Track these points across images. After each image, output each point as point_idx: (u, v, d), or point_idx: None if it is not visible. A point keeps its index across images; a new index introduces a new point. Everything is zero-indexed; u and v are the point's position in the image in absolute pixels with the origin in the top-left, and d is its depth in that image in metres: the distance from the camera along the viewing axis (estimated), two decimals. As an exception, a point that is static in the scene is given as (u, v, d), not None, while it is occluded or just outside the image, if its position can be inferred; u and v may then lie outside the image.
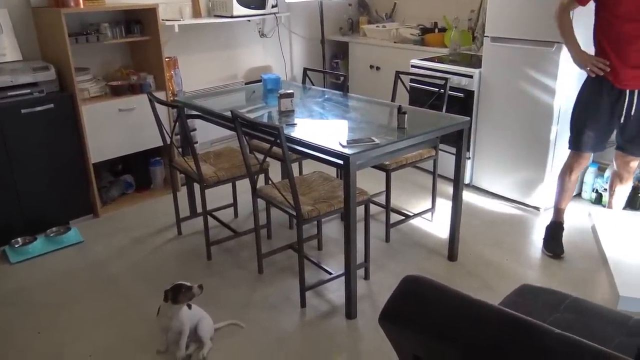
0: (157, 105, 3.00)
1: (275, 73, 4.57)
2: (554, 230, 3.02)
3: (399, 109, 2.59)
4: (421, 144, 2.64)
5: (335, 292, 2.69)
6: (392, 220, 3.20)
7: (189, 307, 2.27)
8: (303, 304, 2.59)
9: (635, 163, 2.83)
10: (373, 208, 3.29)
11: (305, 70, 3.75)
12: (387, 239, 3.18)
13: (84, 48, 3.54)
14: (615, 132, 2.77)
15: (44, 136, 3.25)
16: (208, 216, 3.04)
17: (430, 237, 3.22)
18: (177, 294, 2.16)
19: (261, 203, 2.81)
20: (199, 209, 3.46)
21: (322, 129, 2.70)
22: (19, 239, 3.17)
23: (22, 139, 3.17)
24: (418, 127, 2.61)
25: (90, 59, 3.68)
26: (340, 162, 2.29)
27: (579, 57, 2.69)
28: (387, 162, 2.98)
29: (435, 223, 3.38)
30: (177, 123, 2.99)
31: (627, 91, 2.61)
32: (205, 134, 4.16)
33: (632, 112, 2.63)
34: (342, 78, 3.68)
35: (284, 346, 2.32)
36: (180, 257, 3.08)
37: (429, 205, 3.46)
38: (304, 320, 2.50)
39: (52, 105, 3.25)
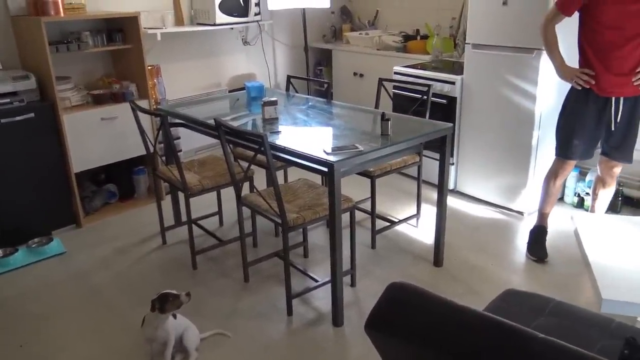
0: (140, 113, 2.97)
1: (259, 81, 4.58)
2: (538, 235, 3.05)
3: (382, 115, 2.61)
4: (405, 150, 2.65)
5: (322, 299, 2.69)
6: (377, 227, 3.21)
7: (174, 316, 2.25)
8: (290, 312, 2.58)
9: (618, 169, 2.87)
10: (358, 215, 3.31)
11: (289, 77, 3.75)
12: (373, 246, 3.18)
13: (65, 57, 3.50)
14: None
15: (24, 146, 3.20)
16: (193, 225, 3.02)
17: (415, 243, 3.23)
18: (164, 303, 2.14)
19: (246, 211, 2.80)
20: (184, 218, 3.43)
21: (307, 136, 2.70)
22: (-1, 250, 3.12)
23: (1, 149, 3.12)
24: (402, 134, 2.62)
25: (71, 67, 3.65)
26: (325, 169, 2.30)
27: (563, 71, 2.73)
28: (371, 169, 2.99)
29: (421, 229, 3.40)
30: (161, 131, 2.97)
31: (613, 99, 2.65)
32: (189, 142, 4.14)
33: (618, 120, 2.68)
34: (325, 85, 3.69)
35: (271, 354, 2.31)
36: (165, 266, 3.05)
37: (414, 211, 3.48)
38: (290, 328, 2.49)
39: (32, 115, 3.21)
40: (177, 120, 3.25)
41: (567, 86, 2.80)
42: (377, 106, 3.47)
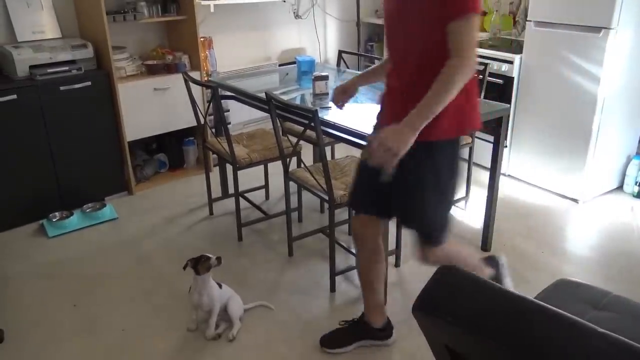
0: (191, 85, 3.00)
1: (309, 55, 4.53)
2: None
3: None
4: (458, 130, 2.57)
5: (365, 278, 2.67)
6: (424, 208, 3.15)
7: (220, 286, 2.29)
8: (332, 288, 2.58)
9: None
10: (405, 194, 3.25)
11: (340, 52, 3.70)
12: (419, 227, 3.13)
13: (121, 26, 3.56)
14: None
15: (81, 113, 3.30)
16: (240, 197, 3.05)
17: (463, 226, 3.16)
18: (196, 263, 2.20)
19: (292, 186, 2.80)
20: (231, 190, 3.48)
21: (357, 112, 2.65)
22: (56, 213, 3.25)
23: (60, 116, 3.23)
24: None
25: (126, 37, 3.71)
26: (375, 147, 2.25)
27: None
28: (421, 149, 2.92)
29: (469, 212, 3.31)
30: (211, 104, 2.99)
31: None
32: (238, 115, 4.17)
33: None
34: (377, 61, 3.61)
35: (312, 330, 2.32)
36: (211, 237, 3.10)
37: (462, 193, 3.39)
38: (333, 305, 2.49)
39: (89, 83, 3.29)
40: (228, 93, 3.26)
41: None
42: (429, 84, 3.37)
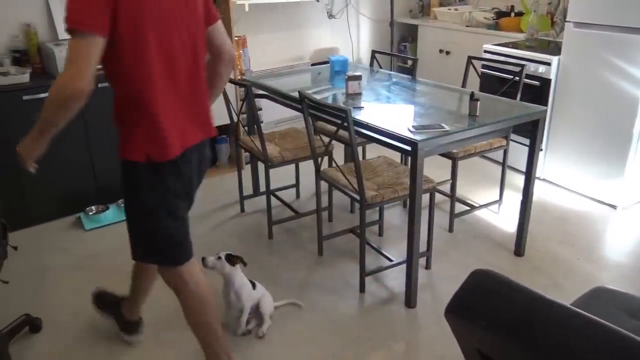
0: (226, 84, 3.03)
1: (342, 55, 4.53)
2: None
3: (472, 95, 2.50)
4: (493, 132, 2.54)
5: (395, 279, 2.66)
6: (456, 210, 3.12)
7: (254, 285, 2.31)
8: (362, 289, 2.57)
9: None
10: (437, 196, 3.22)
11: (373, 52, 3.68)
12: (451, 229, 3.10)
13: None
14: None
15: (118, 110, 3.37)
16: (271, 195, 3.07)
17: (495, 230, 3.11)
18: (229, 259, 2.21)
19: (323, 185, 2.80)
20: (262, 188, 3.51)
21: (390, 113, 2.64)
22: (92, 207, 3.34)
23: (98, 113, 3.29)
24: (490, 115, 2.50)
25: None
26: (408, 148, 2.24)
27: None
28: (454, 150, 2.89)
29: (502, 215, 3.26)
30: (245, 102, 3.02)
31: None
32: (270, 113, 4.19)
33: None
34: (411, 62, 3.59)
35: (341, 329, 2.32)
36: (242, 234, 3.13)
37: (495, 196, 3.34)
38: (362, 305, 2.49)
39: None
40: (261, 92, 3.28)
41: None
42: (463, 85, 3.34)
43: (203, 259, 2.21)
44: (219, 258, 2.20)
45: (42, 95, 3.05)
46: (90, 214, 3.29)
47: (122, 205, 3.37)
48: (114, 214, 3.33)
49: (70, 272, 2.77)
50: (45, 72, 3.29)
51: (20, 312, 2.32)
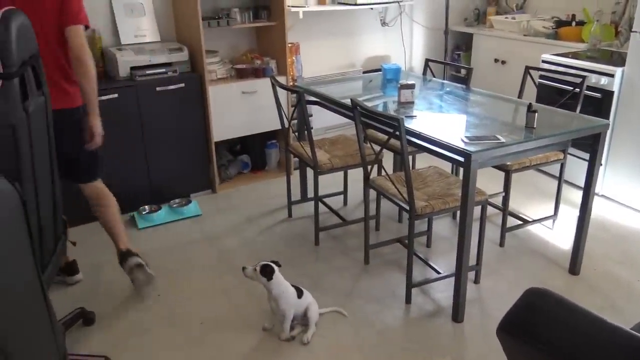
0: (277, 90, 3.07)
1: (394, 63, 4.50)
2: None
3: (529, 106, 2.43)
4: (550, 145, 2.45)
5: (443, 292, 2.61)
6: (508, 224, 3.03)
7: (300, 293, 2.31)
8: (408, 300, 2.53)
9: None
10: (489, 209, 3.14)
11: (427, 61, 3.64)
12: (502, 244, 3.01)
13: (215, 31, 3.72)
14: None
15: (173, 113, 3.47)
16: (319, 202, 3.07)
17: (549, 246, 3.00)
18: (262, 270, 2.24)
19: (371, 194, 2.78)
20: (310, 194, 3.53)
21: (442, 122, 2.60)
22: (146, 206, 3.44)
23: (155, 115, 3.41)
24: (548, 128, 2.42)
25: (219, 42, 3.86)
26: (461, 159, 2.20)
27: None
28: (508, 163, 2.81)
29: (557, 232, 3.14)
30: (296, 108, 3.04)
31: None
32: (320, 120, 4.21)
33: None
34: (465, 71, 3.53)
35: (386, 340, 2.29)
36: (289, 239, 3.15)
37: (550, 211, 3.23)
38: (408, 317, 2.45)
39: (183, 85, 3.46)
40: (312, 98, 3.30)
41: None
42: (520, 96, 3.25)
43: (243, 269, 2.23)
44: (255, 270, 2.22)
45: (103, 97, 3.17)
46: (144, 213, 3.39)
47: (175, 206, 3.48)
48: (166, 214, 3.42)
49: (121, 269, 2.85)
50: (107, 75, 3.42)
51: (75, 305, 2.42)
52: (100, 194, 2.62)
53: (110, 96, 3.20)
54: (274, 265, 2.24)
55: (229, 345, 2.27)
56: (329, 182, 3.57)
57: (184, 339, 2.32)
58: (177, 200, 3.54)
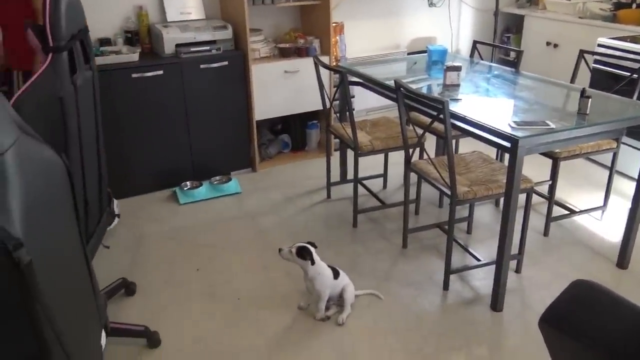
0: (320, 70, 3.04)
1: (440, 44, 4.38)
2: None
3: (582, 91, 2.32)
4: (603, 133, 2.34)
5: (482, 280, 2.55)
6: (554, 214, 2.93)
7: (336, 274, 2.31)
8: (446, 286, 2.50)
9: None
10: (534, 198, 3.05)
11: (475, 43, 3.53)
12: (546, 233, 2.92)
13: (259, 10, 3.70)
14: None
15: (216, 91, 3.49)
16: (358, 184, 3.05)
17: (596, 238, 2.89)
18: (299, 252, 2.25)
19: (412, 177, 2.74)
20: (349, 176, 3.50)
21: (489, 107, 2.52)
22: (187, 182, 3.50)
23: (198, 92, 3.44)
24: (601, 115, 2.31)
25: (263, 20, 3.85)
26: (507, 144, 2.12)
27: None
28: (557, 150, 2.71)
29: (605, 223, 3.02)
30: (339, 89, 3.01)
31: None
32: (362, 101, 4.16)
33: None
34: (515, 54, 3.40)
35: (421, 325, 2.27)
36: (327, 220, 3.15)
37: (599, 202, 3.10)
38: (445, 303, 2.41)
39: (226, 63, 3.47)
40: (355, 79, 3.26)
41: None
42: (572, 81, 3.11)
43: (279, 250, 2.25)
44: (291, 251, 2.22)
45: (149, 74, 3.23)
46: (185, 189, 3.45)
47: (215, 182, 3.53)
48: (207, 190, 3.47)
49: (163, 242, 2.92)
50: (153, 52, 3.47)
51: (117, 276, 2.49)
52: None
53: (156, 73, 3.25)
54: (309, 246, 2.24)
55: (265, 322, 2.30)
56: (369, 165, 3.54)
57: (221, 314, 2.36)
58: (217, 178, 3.58)
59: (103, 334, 1.41)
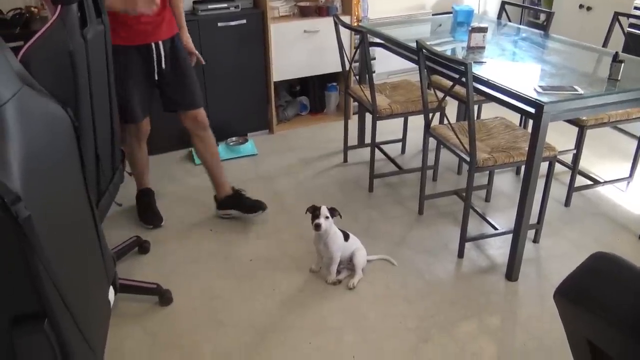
0: (340, 29, 2.94)
1: (466, 5, 4.21)
2: (146, 200, 2.79)
3: (615, 56, 2.20)
4: (634, 101, 2.22)
5: (498, 249, 2.51)
6: (577, 184, 2.84)
7: (347, 237, 2.29)
8: (461, 254, 2.46)
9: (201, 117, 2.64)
10: (557, 167, 2.96)
11: (503, 3, 3.38)
12: (567, 203, 2.84)
13: (280, -34, 3.57)
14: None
15: (234, 50, 3.42)
16: (375, 148, 2.99)
17: (620, 210, 2.80)
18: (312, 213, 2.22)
19: (431, 143, 2.67)
20: (367, 140, 3.44)
21: (515, 70, 2.41)
22: (204, 143, 3.47)
23: (215, 51, 3.38)
24: (634, 81, 2.20)
25: (283, -23, 3.73)
26: (532, 110, 2.04)
27: None
28: (584, 117, 2.60)
29: (630, 195, 2.93)
30: (359, 50, 2.92)
31: (152, 44, 2.35)
32: (384, 64, 4.05)
33: (163, 66, 2.41)
34: (545, 15, 3.24)
35: (434, 292, 2.24)
36: (343, 184, 3.11)
37: (625, 173, 3.00)
38: (459, 271, 2.38)
39: (244, 21, 3.38)
40: (376, 40, 3.15)
41: None
42: (605, 45, 2.96)
43: (318, 226, 2.18)
44: (327, 217, 2.19)
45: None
46: (201, 149, 3.43)
47: (232, 144, 3.50)
48: (222, 151, 3.44)
49: (178, 201, 2.93)
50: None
51: (132, 234, 2.51)
52: (205, 121, 2.67)
53: (173, 30, 3.18)
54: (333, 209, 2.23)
55: (277, 284, 2.30)
56: (388, 129, 3.46)
57: (233, 274, 2.37)
58: (234, 139, 3.55)
59: (111, 290, 1.41)
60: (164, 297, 2.17)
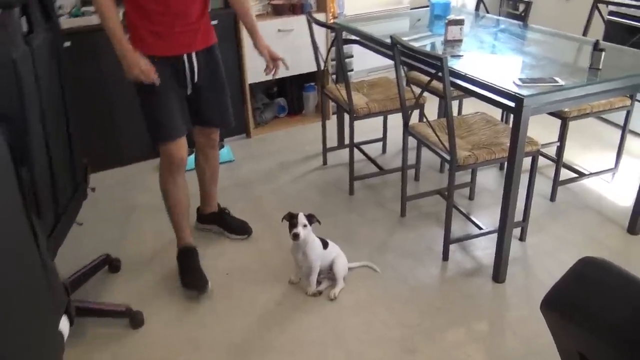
0: (315, 28, 2.84)
1: (444, -2, 4.13)
2: (188, 259, 2.29)
3: (595, 44, 2.12)
4: (616, 90, 2.15)
5: (484, 249, 2.42)
6: (562, 177, 2.77)
7: (325, 245, 2.19)
8: (445, 257, 2.37)
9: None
10: (541, 160, 2.89)
11: (480, -5, 3.29)
12: (553, 198, 2.76)
13: (250, -36, 3.46)
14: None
15: (206, 53, 3.30)
16: (355, 149, 2.89)
17: (606, 202, 2.73)
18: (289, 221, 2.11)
19: (412, 141, 2.58)
20: (347, 141, 3.34)
21: (493, 63, 2.33)
22: (178, 150, 3.34)
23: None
24: (615, 70, 2.12)
25: (255, -24, 3.62)
26: (511, 104, 1.95)
27: (127, 61, 2.02)
28: (566, 109, 2.53)
29: (616, 186, 2.86)
30: (333, 47, 2.82)
31: (184, 56, 2.12)
32: (363, 61, 3.95)
33: (196, 79, 2.19)
34: (524, 6, 3.17)
35: (419, 298, 2.15)
36: (322, 188, 3.01)
37: (610, 164, 2.93)
38: (444, 275, 2.29)
39: (216, 22, 3.23)
40: (352, 37, 3.06)
41: None
42: (585, 34, 2.90)
43: (295, 236, 2.07)
44: (305, 226, 2.08)
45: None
46: (176, 157, 3.31)
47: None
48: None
49: (154, 214, 2.80)
50: None
51: (103, 251, 2.38)
52: (217, 139, 2.49)
53: (139, 34, 3.06)
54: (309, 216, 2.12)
55: (254, 298, 2.19)
56: (368, 128, 3.36)
57: (209, 291, 2.25)
58: (210, 145, 3.43)
59: (64, 320, 1.30)
60: (135, 320, 2.04)
